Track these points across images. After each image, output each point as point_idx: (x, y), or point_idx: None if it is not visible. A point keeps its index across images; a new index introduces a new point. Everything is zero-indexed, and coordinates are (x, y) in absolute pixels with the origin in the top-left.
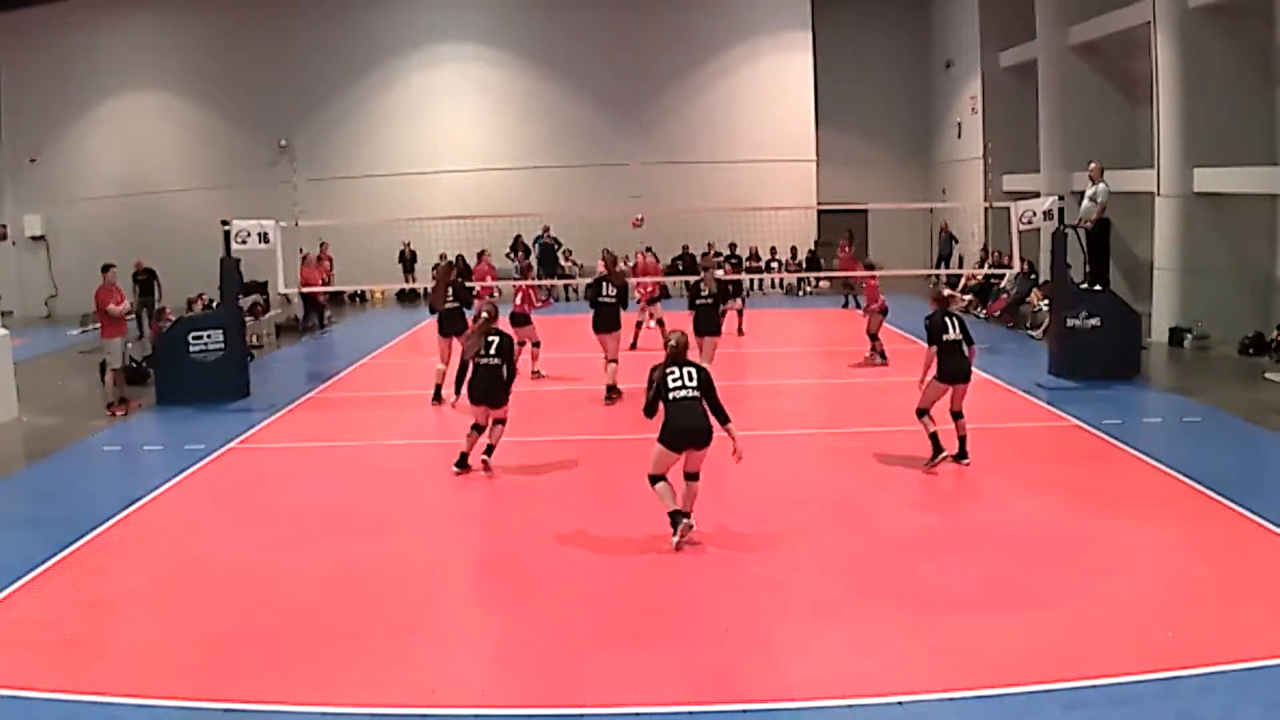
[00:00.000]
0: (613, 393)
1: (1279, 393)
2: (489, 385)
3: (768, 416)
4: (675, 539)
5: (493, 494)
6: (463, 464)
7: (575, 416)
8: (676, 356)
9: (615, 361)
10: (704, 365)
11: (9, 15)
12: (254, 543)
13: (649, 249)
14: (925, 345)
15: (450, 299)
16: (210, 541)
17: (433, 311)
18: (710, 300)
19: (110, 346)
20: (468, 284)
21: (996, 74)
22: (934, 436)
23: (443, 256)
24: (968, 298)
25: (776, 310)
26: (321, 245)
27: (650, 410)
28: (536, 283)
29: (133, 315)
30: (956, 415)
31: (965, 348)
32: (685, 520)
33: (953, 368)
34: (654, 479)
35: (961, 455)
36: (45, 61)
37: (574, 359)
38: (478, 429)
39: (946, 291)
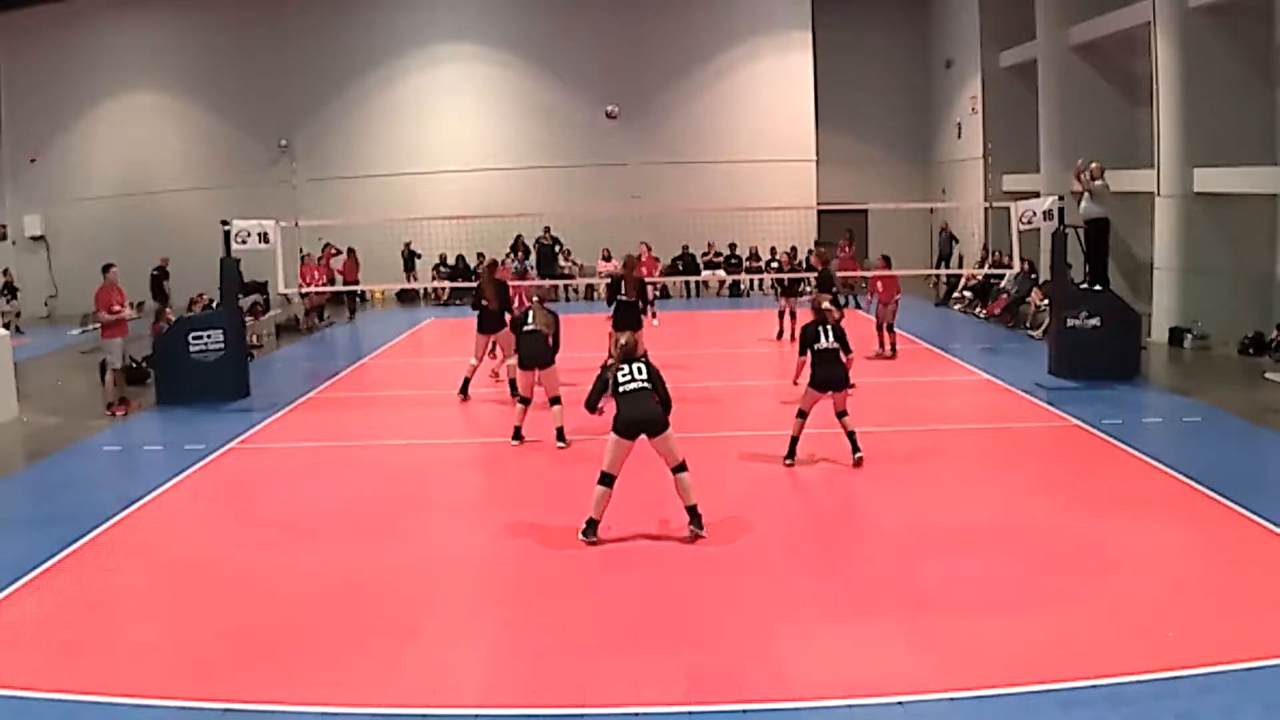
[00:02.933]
0: None
1: (1279, 393)
2: (535, 351)
3: (768, 416)
4: (585, 535)
5: (493, 494)
6: (517, 436)
7: (574, 417)
8: (628, 356)
9: None
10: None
11: (9, 15)
12: (254, 542)
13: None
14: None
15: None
16: (210, 541)
17: (475, 308)
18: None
19: (110, 346)
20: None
21: (996, 74)
22: (794, 440)
23: (480, 257)
24: (968, 296)
25: (776, 310)
26: (326, 247)
27: (591, 403)
28: (529, 283)
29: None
30: (841, 414)
31: (842, 356)
32: (694, 526)
33: (825, 375)
34: (604, 478)
35: (855, 450)
36: (45, 61)
37: (573, 358)
38: (525, 401)
39: (825, 304)
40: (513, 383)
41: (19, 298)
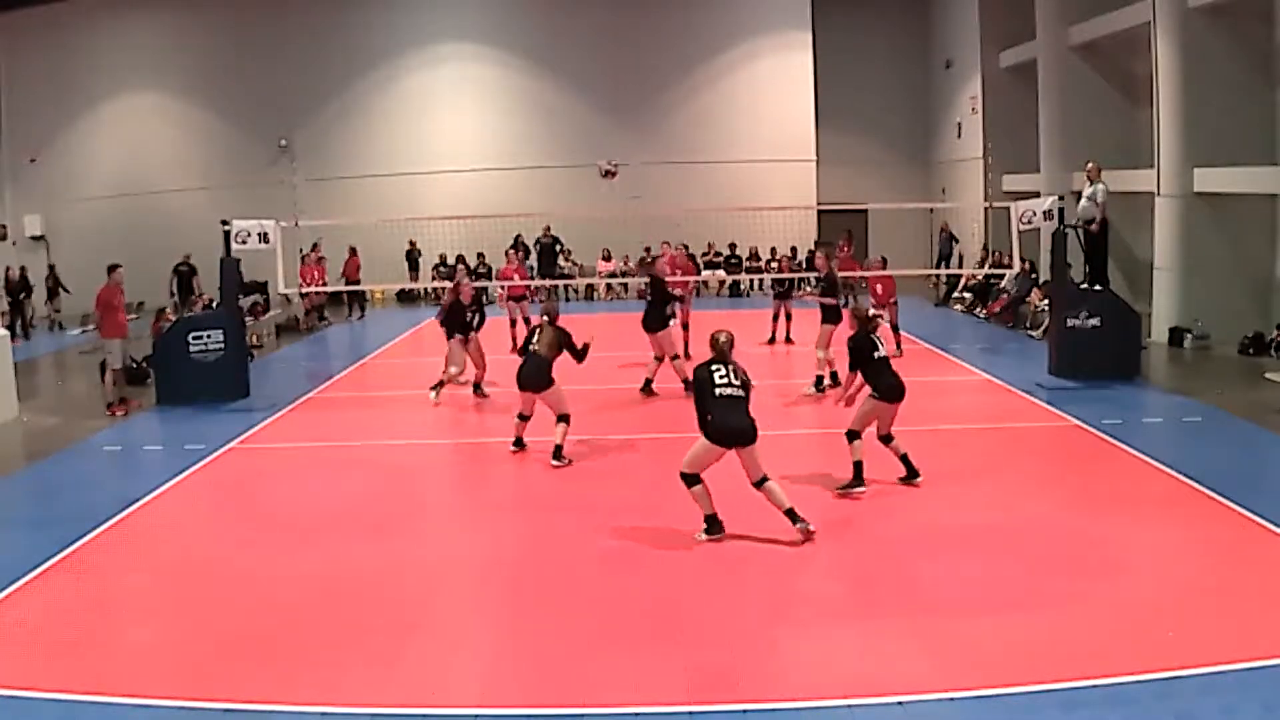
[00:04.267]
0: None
1: (1279, 393)
2: (530, 372)
3: (768, 416)
4: (703, 535)
5: (492, 494)
6: (518, 444)
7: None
8: (722, 356)
9: (660, 360)
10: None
11: (9, 15)
12: (254, 542)
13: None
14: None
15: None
16: (210, 541)
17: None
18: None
19: (110, 346)
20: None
21: (996, 74)
22: (859, 465)
23: (458, 259)
24: (968, 297)
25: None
26: (314, 247)
27: (702, 419)
28: (509, 283)
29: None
30: (888, 439)
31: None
32: (801, 524)
33: (890, 383)
34: (690, 479)
35: (912, 473)
36: (45, 61)
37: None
38: (523, 417)
39: (871, 311)
40: (476, 385)
41: (60, 296)
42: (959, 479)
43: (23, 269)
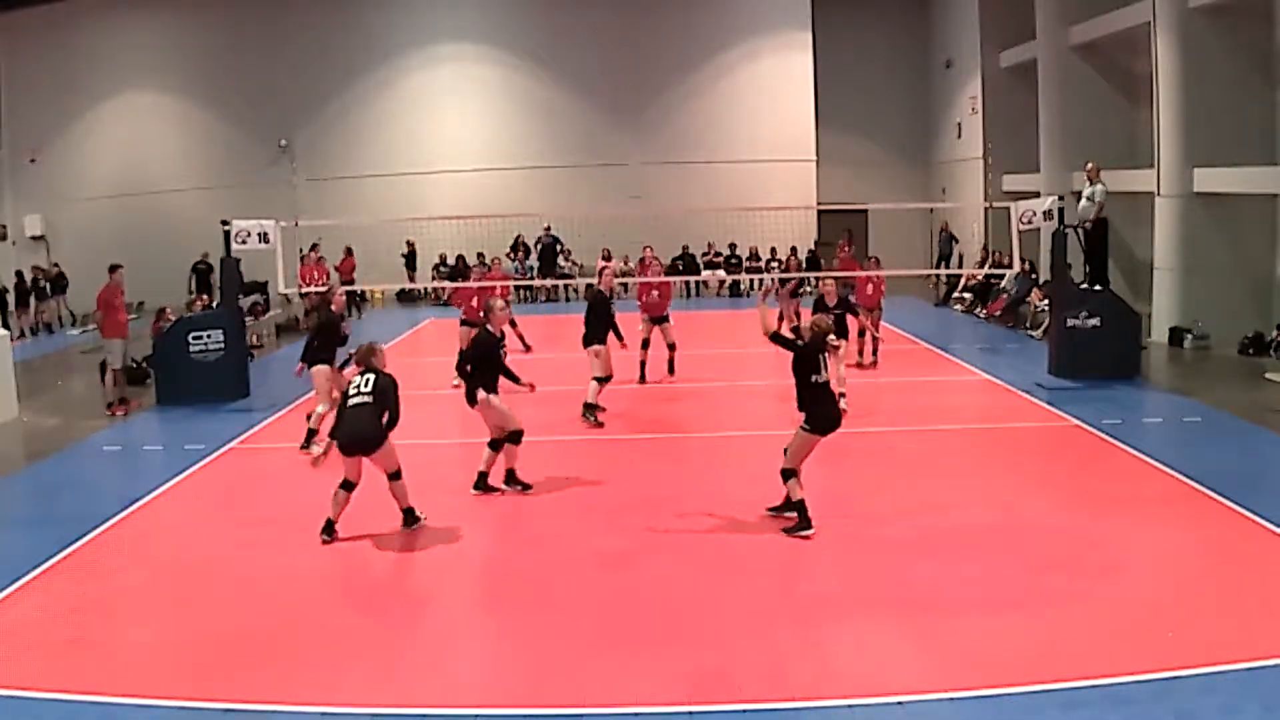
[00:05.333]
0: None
1: (1279, 393)
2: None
3: (768, 416)
4: (801, 529)
5: (492, 494)
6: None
7: (571, 417)
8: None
9: (597, 380)
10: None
11: (9, 15)
12: (254, 543)
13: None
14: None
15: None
16: (210, 541)
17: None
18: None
19: (111, 346)
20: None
21: (996, 74)
22: (802, 504)
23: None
24: (968, 297)
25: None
26: (313, 248)
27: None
28: (487, 283)
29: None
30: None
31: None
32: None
33: (825, 414)
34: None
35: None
36: (45, 61)
37: (573, 359)
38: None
39: (832, 337)
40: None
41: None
42: (959, 479)
43: (57, 265)
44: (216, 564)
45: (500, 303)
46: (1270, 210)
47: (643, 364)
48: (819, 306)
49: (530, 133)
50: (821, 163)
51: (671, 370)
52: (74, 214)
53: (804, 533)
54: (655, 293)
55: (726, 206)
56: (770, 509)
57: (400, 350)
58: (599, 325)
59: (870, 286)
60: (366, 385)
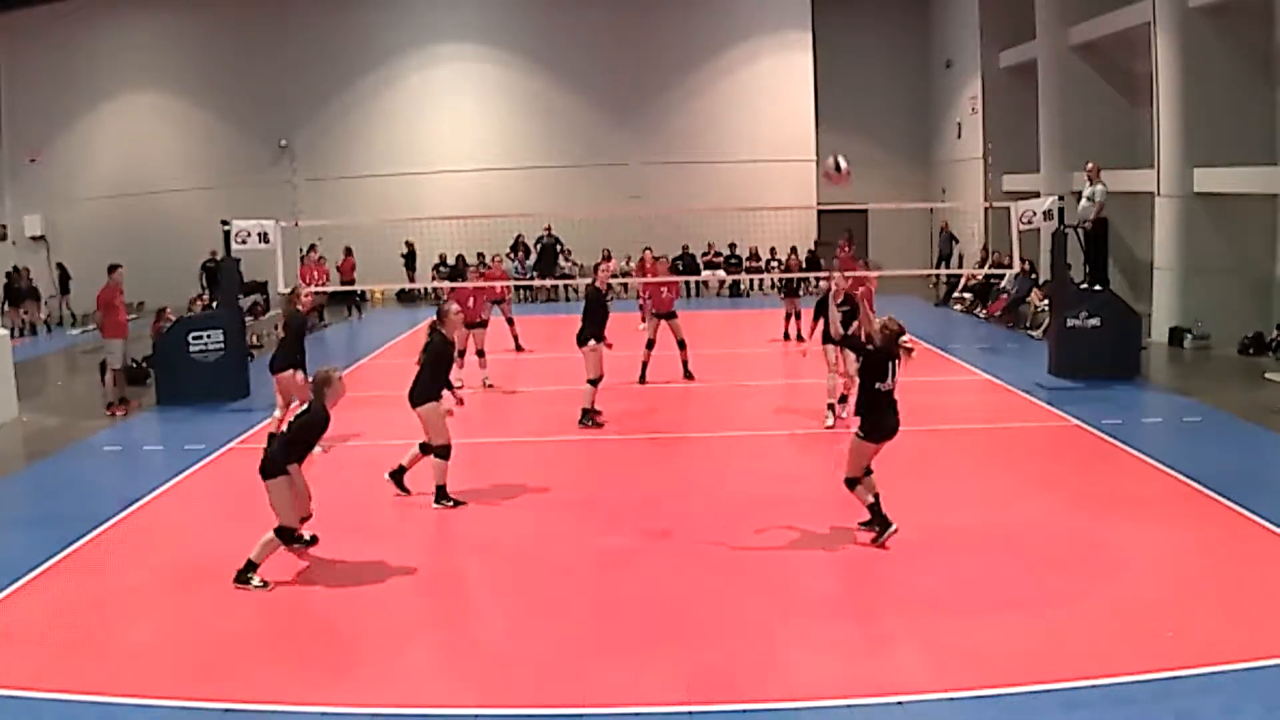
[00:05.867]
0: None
1: (1279, 393)
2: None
3: (768, 416)
4: (883, 535)
5: (492, 494)
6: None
7: (570, 417)
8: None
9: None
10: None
11: (9, 15)
12: (253, 543)
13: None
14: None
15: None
16: (210, 541)
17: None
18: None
19: (111, 346)
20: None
21: (996, 74)
22: (875, 508)
23: (480, 257)
24: (968, 297)
25: (776, 310)
26: (311, 248)
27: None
28: (482, 284)
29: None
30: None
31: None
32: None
33: (886, 423)
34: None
35: (881, 528)
36: (45, 61)
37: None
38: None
39: (908, 338)
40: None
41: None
42: (959, 479)
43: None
44: (216, 564)
45: (455, 307)
46: (1270, 210)
47: (645, 364)
48: (820, 306)
49: (530, 133)
50: (822, 163)
51: (688, 374)
52: (74, 214)
53: (888, 533)
54: (664, 290)
55: (726, 206)
56: (861, 524)
57: (400, 350)
58: (593, 322)
59: (860, 289)
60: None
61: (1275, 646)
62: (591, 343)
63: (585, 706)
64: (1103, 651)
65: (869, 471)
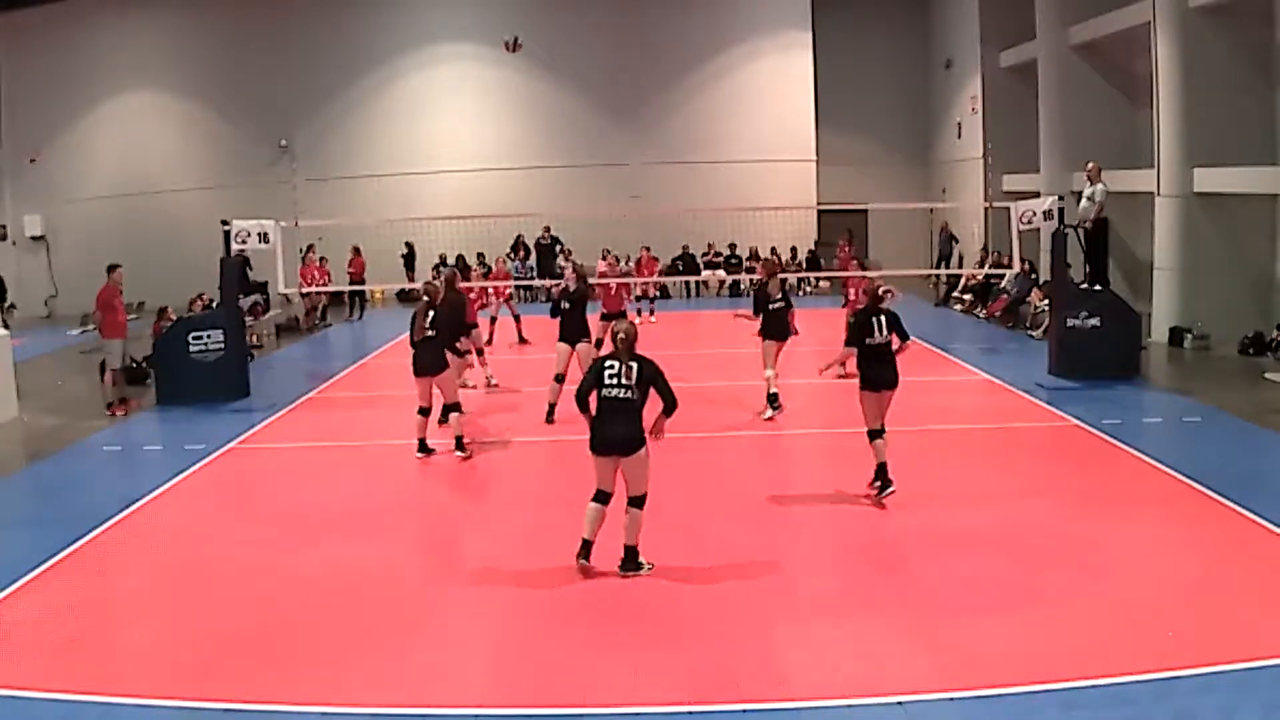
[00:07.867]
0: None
1: (1279, 393)
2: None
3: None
4: (883, 494)
5: (492, 493)
6: (423, 449)
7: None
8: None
9: (557, 381)
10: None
11: (9, 15)
12: (254, 543)
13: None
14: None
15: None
16: (210, 541)
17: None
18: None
19: (110, 346)
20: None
21: (996, 74)
22: (882, 468)
23: (480, 257)
24: (968, 297)
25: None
26: (309, 249)
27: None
28: (483, 284)
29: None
30: (879, 432)
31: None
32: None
33: (876, 375)
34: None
35: (883, 485)
36: (45, 61)
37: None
38: (423, 412)
39: (882, 288)
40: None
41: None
42: (959, 479)
43: None
44: (216, 564)
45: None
46: (1270, 210)
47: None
48: (758, 303)
49: (530, 133)
50: (821, 163)
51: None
52: (74, 214)
53: (886, 492)
54: (613, 288)
55: (726, 206)
56: (875, 499)
57: (399, 350)
58: (573, 322)
59: (854, 291)
60: None
61: (1274, 646)
62: (583, 343)
63: (585, 706)
64: (1102, 651)
65: (882, 430)
